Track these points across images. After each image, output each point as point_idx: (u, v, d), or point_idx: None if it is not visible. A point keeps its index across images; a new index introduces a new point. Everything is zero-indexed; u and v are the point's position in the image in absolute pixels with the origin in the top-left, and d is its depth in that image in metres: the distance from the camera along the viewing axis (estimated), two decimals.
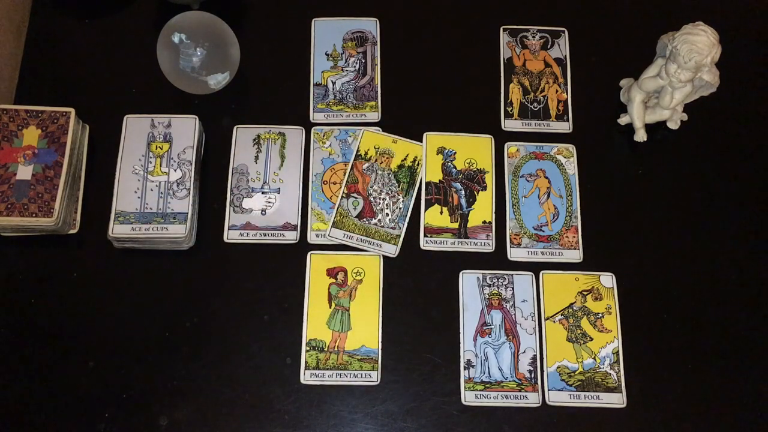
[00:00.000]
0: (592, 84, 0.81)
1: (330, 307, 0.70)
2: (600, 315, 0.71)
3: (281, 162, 0.75)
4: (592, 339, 0.71)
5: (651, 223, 0.76)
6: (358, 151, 0.76)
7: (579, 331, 0.71)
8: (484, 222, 0.74)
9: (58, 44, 0.80)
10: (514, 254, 0.74)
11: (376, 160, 0.76)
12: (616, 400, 0.69)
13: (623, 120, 0.79)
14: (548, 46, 0.82)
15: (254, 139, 0.76)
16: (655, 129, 0.79)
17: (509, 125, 0.79)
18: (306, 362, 0.68)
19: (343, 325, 0.70)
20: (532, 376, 0.69)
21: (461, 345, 0.70)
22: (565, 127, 0.79)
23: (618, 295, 0.72)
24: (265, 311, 0.70)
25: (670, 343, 0.71)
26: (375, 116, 0.78)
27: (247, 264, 0.72)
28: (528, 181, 0.76)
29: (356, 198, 0.74)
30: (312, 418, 0.67)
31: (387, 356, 0.69)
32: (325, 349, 0.69)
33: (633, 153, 0.79)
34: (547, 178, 0.77)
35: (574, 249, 0.74)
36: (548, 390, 0.69)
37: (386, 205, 0.74)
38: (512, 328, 0.71)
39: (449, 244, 0.73)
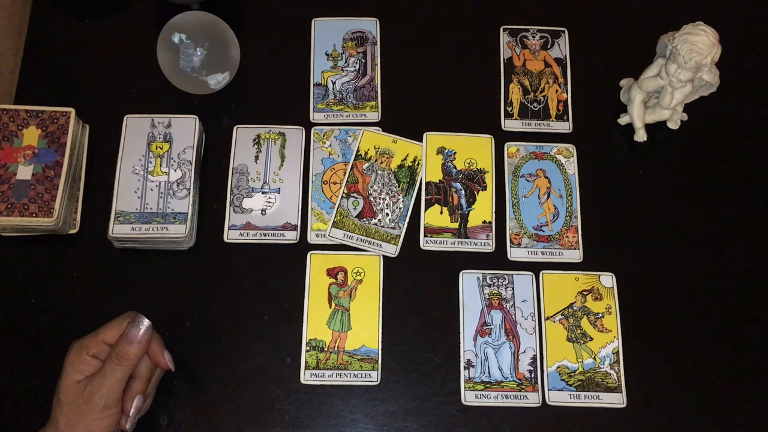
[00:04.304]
0: (592, 84, 0.81)
1: (330, 307, 0.70)
2: (600, 315, 0.71)
3: (281, 162, 0.76)
4: (592, 339, 0.71)
5: (651, 223, 0.76)
6: (358, 151, 0.76)
7: (579, 331, 0.71)
8: (484, 222, 0.74)
9: (58, 44, 0.80)
10: (514, 254, 0.74)
11: (376, 160, 0.76)
12: (616, 400, 0.69)
13: (623, 120, 0.79)
14: (548, 46, 0.82)
15: (254, 139, 0.76)
16: (655, 129, 0.79)
17: (509, 125, 0.79)
18: (306, 362, 0.69)
19: (343, 325, 0.70)
20: (532, 376, 0.69)
21: (461, 345, 0.70)
22: (565, 127, 0.79)
23: (618, 295, 0.72)
24: (265, 311, 0.70)
25: (670, 343, 0.71)
26: (375, 116, 0.78)
27: (247, 264, 0.72)
28: (528, 181, 0.76)
29: (356, 198, 0.74)
30: (312, 418, 0.67)
31: (387, 356, 0.69)
32: (325, 349, 0.69)
33: (633, 153, 0.79)
34: (547, 178, 0.77)
35: (574, 249, 0.74)
36: (548, 390, 0.69)
37: (386, 205, 0.74)
38: (512, 328, 0.71)
39: (449, 244, 0.73)
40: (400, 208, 0.74)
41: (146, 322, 0.60)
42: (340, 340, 0.69)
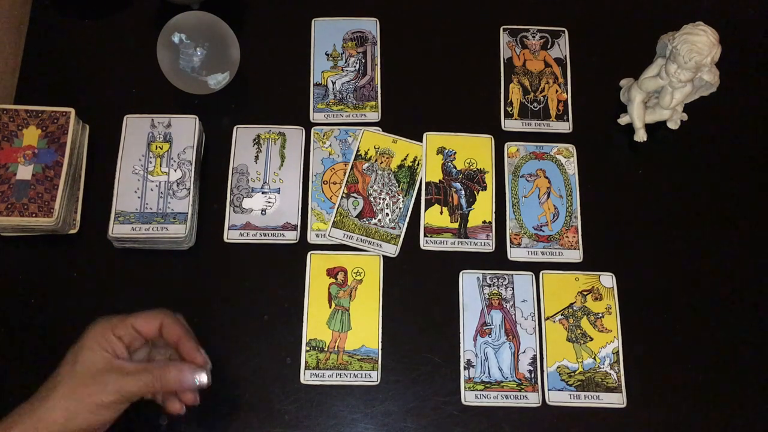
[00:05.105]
0: (592, 84, 0.81)
1: (330, 307, 0.70)
2: (600, 315, 0.71)
3: (281, 162, 0.76)
4: (592, 339, 0.71)
5: (651, 223, 0.76)
6: (358, 151, 0.76)
7: (579, 331, 0.71)
8: (484, 222, 0.74)
9: (58, 44, 0.80)
10: (514, 254, 0.74)
11: (376, 160, 0.76)
12: (616, 400, 0.69)
13: (623, 120, 0.79)
14: (548, 46, 0.82)
15: (254, 139, 0.76)
16: (655, 129, 0.79)
17: (509, 125, 0.79)
18: (306, 362, 0.69)
19: (343, 325, 0.70)
20: (532, 376, 0.69)
21: (461, 345, 0.70)
22: (565, 127, 0.79)
23: (618, 295, 0.72)
24: (265, 311, 0.70)
25: (670, 343, 0.71)
26: (375, 116, 0.78)
27: (247, 264, 0.72)
28: (528, 181, 0.76)
29: (356, 198, 0.74)
30: (312, 418, 0.67)
31: (387, 356, 0.69)
32: (325, 349, 0.69)
33: (633, 153, 0.79)
34: (547, 178, 0.77)
35: (574, 249, 0.74)
36: (548, 390, 0.69)
37: (386, 205, 0.74)
38: (512, 328, 0.71)
39: (449, 244, 0.73)
40: (400, 208, 0.74)
41: (205, 380, 0.58)
42: (340, 340, 0.69)
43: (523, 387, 0.69)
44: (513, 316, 0.71)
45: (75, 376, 0.55)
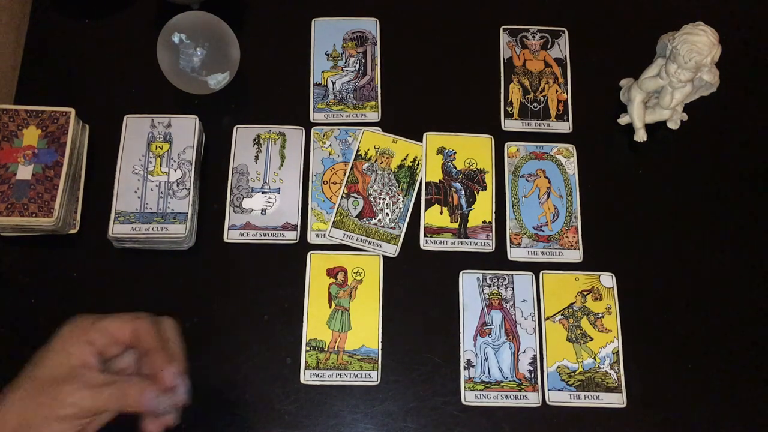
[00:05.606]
0: (592, 84, 0.81)
1: (330, 307, 0.70)
2: (600, 315, 0.71)
3: (281, 162, 0.76)
4: (592, 339, 0.71)
5: (651, 223, 0.76)
6: (358, 151, 0.76)
7: (579, 331, 0.71)
8: (484, 222, 0.74)
9: (58, 44, 0.80)
10: (514, 254, 0.74)
11: (376, 160, 0.76)
12: (616, 400, 0.69)
13: (623, 120, 0.79)
14: (548, 46, 0.82)
15: (254, 139, 0.76)
16: (655, 129, 0.79)
17: (509, 125, 0.79)
18: (306, 362, 0.69)
19: (343, 325, 0.70)
20: (532, 376, 0.69)
21: (461, 345, 0.70)
22: (565, 127, 0.79)
23: (618, 295, 0.72)
24: (265, 311, 0.70)
25: (670, 343, 0.71)
26: (375, 116, 0.78)
27: (247, 264, 0.72)
28: (528, 181, 0.76)
29: (356, 198, 0.74)
30: (312, 418, 0.67)
31: (387, 356, 0.69)
32: (325, 349, 0.69)
33: (633, 153, 0.79)
34: (547, 178, 0.77)
35: (574, 249, 0.74)
36: (548, 390, 0.69)
37: (386, 205, 0.74)
38: (512, 328, 0.71)
39: (449, 244, 0.73)
40: (400, 208, 0.74)
41: (168, 407, 0.50)
42: (340, 340, 0.69)
43: (523, 387, 0.69)
44: (513, 316, 0.71)
45: (35, 379, 0.49)
